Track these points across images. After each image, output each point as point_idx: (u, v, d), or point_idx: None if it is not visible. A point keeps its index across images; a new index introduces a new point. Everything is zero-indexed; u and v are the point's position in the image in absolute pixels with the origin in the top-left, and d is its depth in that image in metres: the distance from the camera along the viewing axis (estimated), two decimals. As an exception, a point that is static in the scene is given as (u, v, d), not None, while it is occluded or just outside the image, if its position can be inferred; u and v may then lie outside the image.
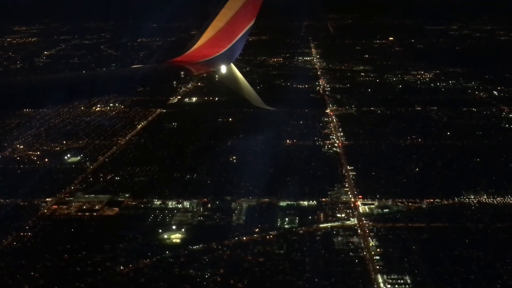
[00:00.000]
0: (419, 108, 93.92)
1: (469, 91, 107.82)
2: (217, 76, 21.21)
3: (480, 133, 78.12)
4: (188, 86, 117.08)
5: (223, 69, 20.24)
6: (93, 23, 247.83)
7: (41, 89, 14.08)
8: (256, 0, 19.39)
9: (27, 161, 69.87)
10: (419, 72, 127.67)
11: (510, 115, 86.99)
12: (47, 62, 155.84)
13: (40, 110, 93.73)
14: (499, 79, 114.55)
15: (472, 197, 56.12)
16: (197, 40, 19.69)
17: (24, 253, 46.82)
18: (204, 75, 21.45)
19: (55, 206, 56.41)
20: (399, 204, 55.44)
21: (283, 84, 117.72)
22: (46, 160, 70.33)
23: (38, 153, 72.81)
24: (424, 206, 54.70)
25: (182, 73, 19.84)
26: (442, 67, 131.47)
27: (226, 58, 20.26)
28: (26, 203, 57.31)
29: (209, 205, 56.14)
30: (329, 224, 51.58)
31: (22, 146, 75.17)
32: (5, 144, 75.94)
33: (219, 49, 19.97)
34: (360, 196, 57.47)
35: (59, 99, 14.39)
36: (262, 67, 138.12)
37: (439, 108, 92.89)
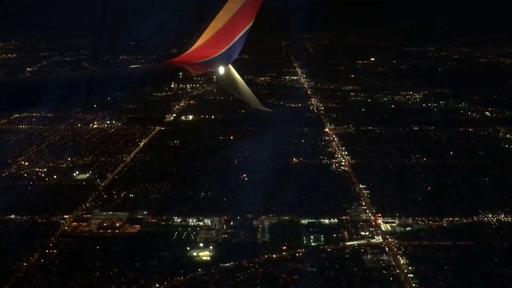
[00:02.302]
0: (416, 128, 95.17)
1: (461, 111, 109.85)
2: (215, 76, 21.31)
3: (482, 152, 79.42)
4: (181, 104, 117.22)
5: (221, 70, 20.37)
6: (69, 39, 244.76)
7: (38, 89, 13.82)
8: (254, 1, 19.57)
9: (35, 178, 68.83)
10: (407, 92, 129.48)
11: (508, 135, 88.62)
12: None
13: (37, 127, 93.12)
14: (487, 100, 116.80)
15: (490, 215, 57.13)
16: (195, 41, 19.73)
17: (54, 271, 46.24)
18: (202, 76, 21.39)
19: (75, 223, 55.77)
20: (420, 222, 56.13)
21: (276, 103, 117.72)
22: (55, 177, 69.35)
23: (45, 169, 71.78)
24: (445, 224, 55.52)
25: (180, 73, 19.66)
26: (429, 87, 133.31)
27: (224, 59, 20.39)
28: (44, 220, 56.62)
29: (231, 223, 56.00)
30: (355, 242, 52.00)
31: (27, 163, 73.90)
32: (9, 161, 74.62)
33: (217, 50, 20.10)
34: (379, 214, 58.00)
35: (56, 98, 14.22)
36: (251, 86, 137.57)
37: (436, 128, 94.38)
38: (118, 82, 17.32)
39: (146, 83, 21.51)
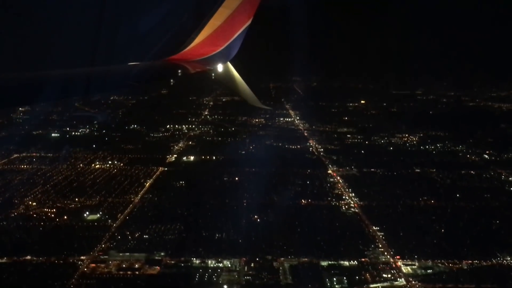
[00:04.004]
0: (418, 170, 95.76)
1: (460, 154, 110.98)
2: (213, 74, 21.44)
3: (489, 195, 79.89)
4: (180, 145, 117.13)
5: (220, 67, 20.61)
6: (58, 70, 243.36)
7: (35, 85, 13.69)
8: None
9: (45, 219, 67.80)
10: (403, 134, 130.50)
11: (510, 178, 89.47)
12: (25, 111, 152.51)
13: (39, 166, 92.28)
14: (484, 143, 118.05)
15: (509, 258, 57.14)
16: (194, 39, 19.89)
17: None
18: (201, 73, 21.56)
19: (93, 265, 54.88)
20: (440, 264, 56.14)
21: (274, 144, 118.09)
22: (65, 217, 68.43)
23: (54, 210, 70.74)
24: (466, 267, 55.54)
25: (179, 71, 19.57)
26: (423, 130, 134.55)
27: (223, 56, 20.69)
28: (61, 261, 55.65)
29: (251, 264, 55.60)
30: (379, 285, 51.84)
31: (34, 203, 72.84)
32: (16, 201, 73.50)
33: (216, 48, 20.39)
34: (398, 257, 57.91)
35: (53, 95, 14.11)
36: (246, 127, 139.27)
37: (438, 170, 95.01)
38: (116, 79, 17.22)
39: (144, 81, 21.63)
